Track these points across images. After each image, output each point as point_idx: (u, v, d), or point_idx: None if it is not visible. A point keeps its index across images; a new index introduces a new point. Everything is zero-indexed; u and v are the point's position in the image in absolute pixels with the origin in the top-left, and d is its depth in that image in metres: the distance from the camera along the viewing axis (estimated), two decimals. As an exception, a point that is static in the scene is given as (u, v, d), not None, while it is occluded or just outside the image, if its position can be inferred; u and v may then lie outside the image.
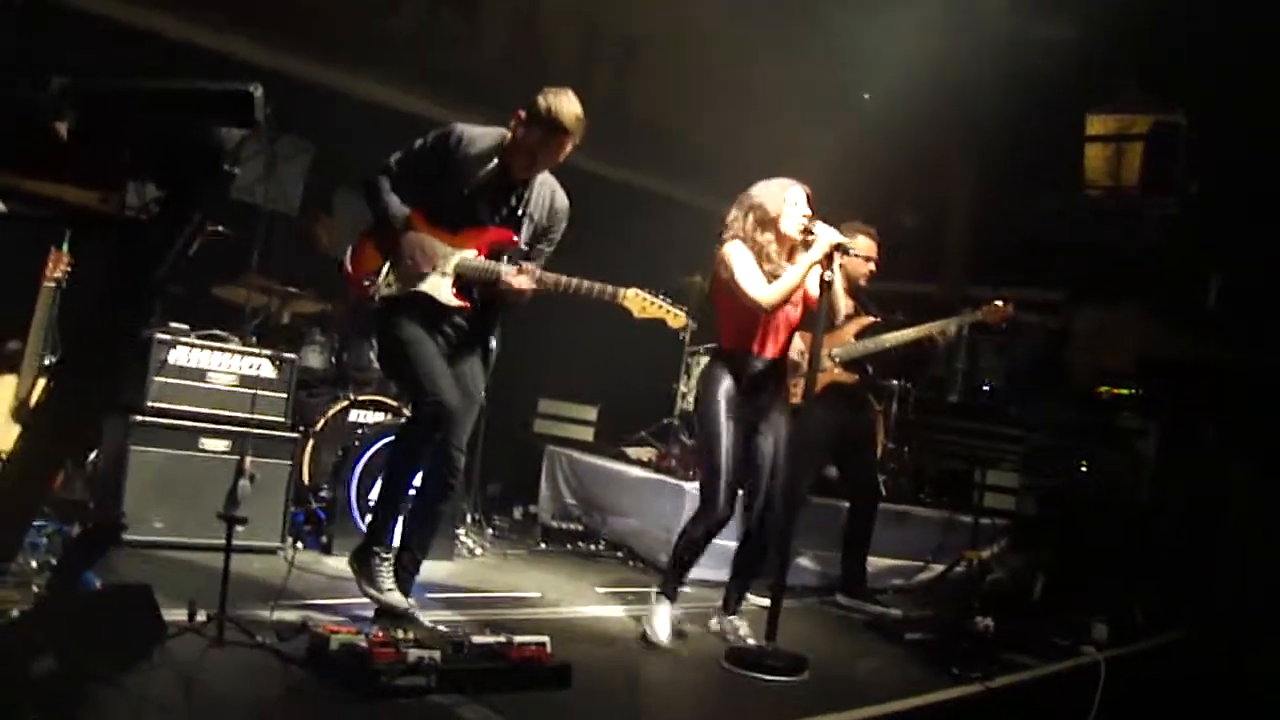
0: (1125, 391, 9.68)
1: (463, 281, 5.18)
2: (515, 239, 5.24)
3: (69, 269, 5.42)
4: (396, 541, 5.30)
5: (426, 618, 5.08)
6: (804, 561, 7.76)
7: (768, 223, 5.55)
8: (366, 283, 5.23)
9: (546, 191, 5.34)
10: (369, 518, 5.46)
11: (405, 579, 5.25)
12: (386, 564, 5.17)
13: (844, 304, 6.23)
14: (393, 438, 5.46)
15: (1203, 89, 8.97)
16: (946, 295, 11.57)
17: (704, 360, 8.09)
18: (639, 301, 5.10)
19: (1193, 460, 9.17)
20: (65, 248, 5.43)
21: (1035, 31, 9.78)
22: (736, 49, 10.16)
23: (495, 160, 5.19)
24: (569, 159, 5.23)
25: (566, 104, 5.05)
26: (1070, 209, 10.25)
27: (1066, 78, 9.36)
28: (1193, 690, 6.85)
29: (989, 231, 11.43)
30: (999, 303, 7.22)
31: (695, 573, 5.91)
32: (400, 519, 5.33)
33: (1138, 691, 6.41)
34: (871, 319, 7.24)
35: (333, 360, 7.56)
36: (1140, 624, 7.42)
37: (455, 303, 5.17)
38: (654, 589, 5.72)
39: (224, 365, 6.28)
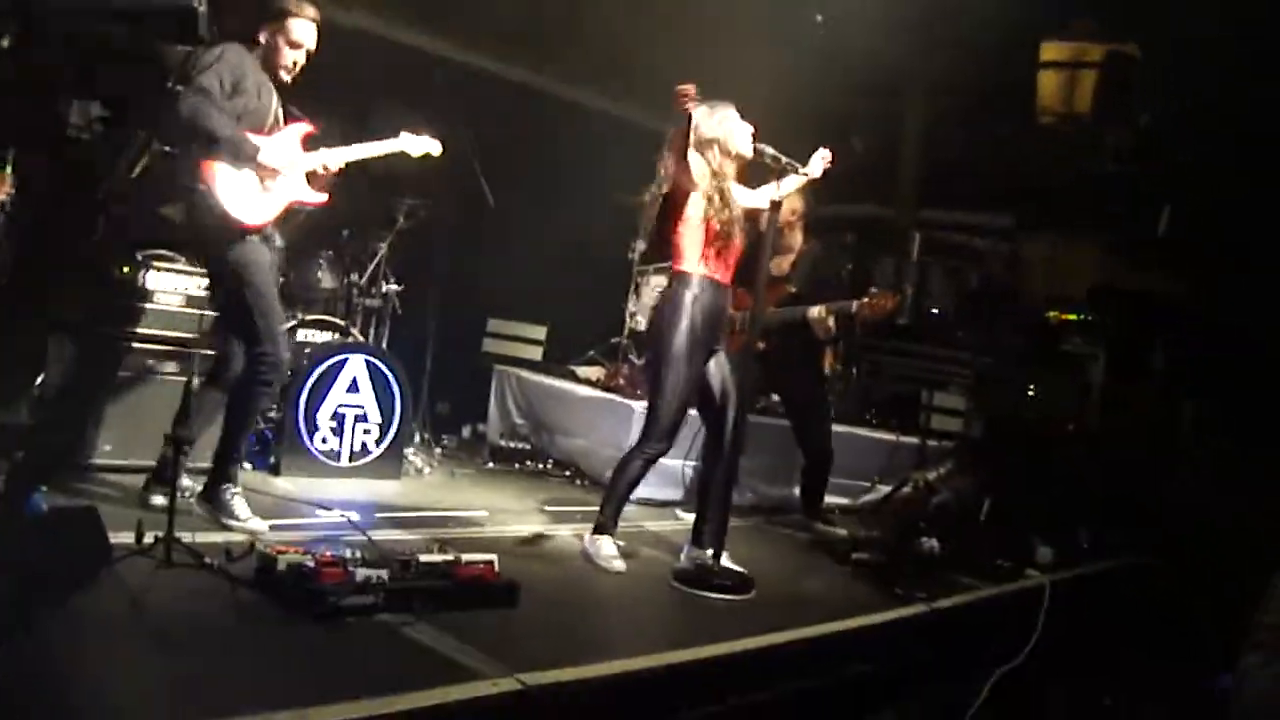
0: (1073, 317, 9.77)
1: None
2: (312, 124, 5.37)
3: (12, 190, 5.32)
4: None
5: (376, 536, 5.11)
6: (748, 481, 7.80)
7: (722, 147, 5.52)
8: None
9: None
10: (216, 452, 5.31)
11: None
12: (239, 495, 5.23)
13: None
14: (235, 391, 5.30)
15: (1156, 21, 8.95)
16: (898, 220, 11.60)
17: (656, 280, 8.08)
18: (412, 142, 5.64)
19: (1140, 386, 9.29)
20: (8, 169, 5.32)
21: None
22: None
23: (259, 65, 5.13)
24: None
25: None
26: (1022, 135, 10.26)
27: (1021, 4, 9.33)
28: (1135, 612, 6.99)
29: (941, 156, 11.42)
30: (876, 293, 7.09)
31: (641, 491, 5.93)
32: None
33: (1081, 613, 6.54)
34: (791, 291, 7.19)
35: (279, 279, 7.48)
36: (1084, 547, 7.55)
37: (321, 197, 5.42)
38: (588, 531, 5.65)
39: (171, 286, 6.18)
